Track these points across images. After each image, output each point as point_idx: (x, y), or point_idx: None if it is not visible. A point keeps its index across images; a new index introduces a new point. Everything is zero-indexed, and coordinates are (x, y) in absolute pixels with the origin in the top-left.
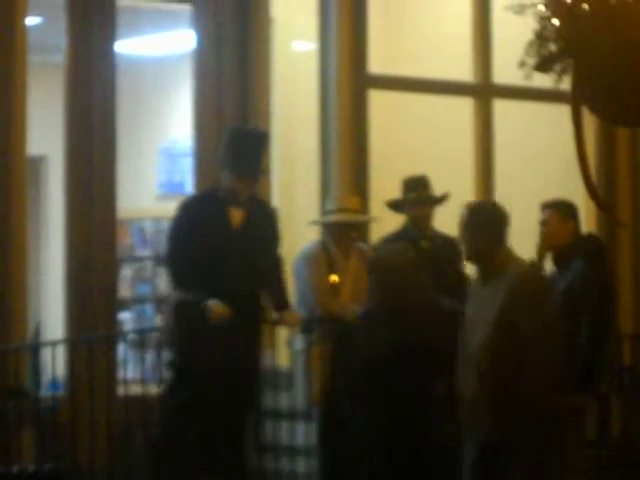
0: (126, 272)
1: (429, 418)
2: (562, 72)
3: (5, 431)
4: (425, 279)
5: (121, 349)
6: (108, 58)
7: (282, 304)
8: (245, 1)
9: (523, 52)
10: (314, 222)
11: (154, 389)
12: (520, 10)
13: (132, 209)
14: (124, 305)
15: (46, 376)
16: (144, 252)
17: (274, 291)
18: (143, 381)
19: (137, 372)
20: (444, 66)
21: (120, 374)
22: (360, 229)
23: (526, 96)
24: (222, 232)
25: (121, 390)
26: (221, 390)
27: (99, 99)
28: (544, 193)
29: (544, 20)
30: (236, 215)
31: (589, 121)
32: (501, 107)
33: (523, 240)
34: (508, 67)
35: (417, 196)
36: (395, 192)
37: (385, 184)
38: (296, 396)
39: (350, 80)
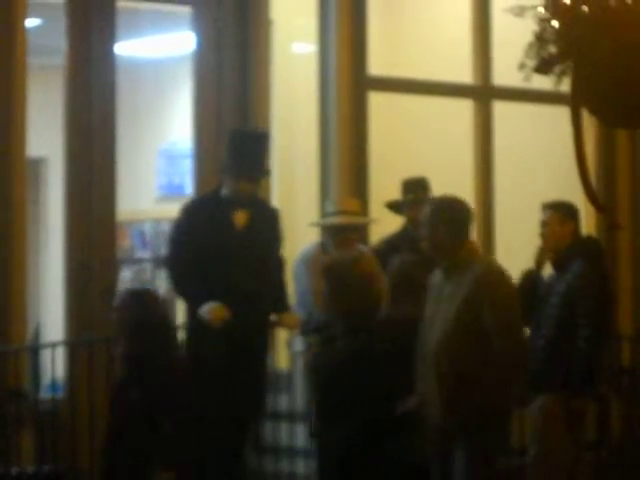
0: (126, 274)
1: (393, 431)
2: (562, 74)
3: (4, 432)
4: (382, 288)
5: None
6: (108, 60)
7: (282, 306)
8: (245, 3)
9: (523, 54)
10: (314, 224)
11: None
12: (520, 12)
13: (132, 211)
14: None
15: (46, 378)
16: (144, 254)
17: (274, 293)
18: None
19: None
20: (444, 68)
21: None
22: (360, 231)
23: (526, 98)
24: (226, 234)
25: None
26: (226, 393)
27: (99, 101)
28: (544, 195)
29: (544, 22)
30: (239, 217)
31: (589, 123)
32: (501, 109)
33: (523, 241)
34: (508, 69)
35: (415, 198)
36: (395, 194)
37: (385, 186)
38: (295, 398)
39: (350, 82)
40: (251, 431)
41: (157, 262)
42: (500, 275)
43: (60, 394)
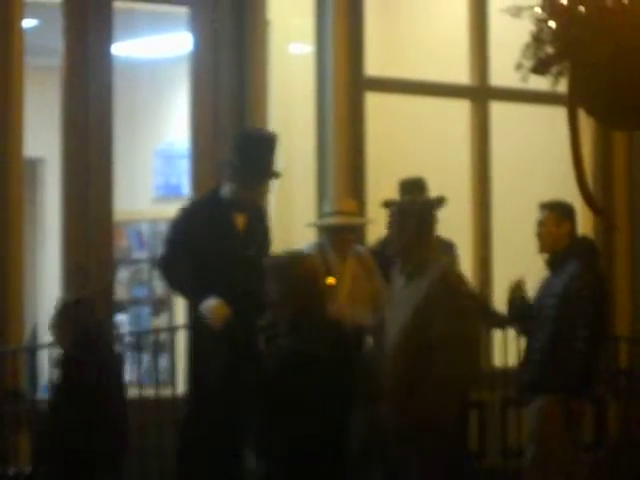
0: (123, 274)
1: (337, 432)
2: (559, 75)
3: (2, 433)
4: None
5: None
6: (105, 60)
7: None
8: (242, 3)
9: (520, 54)
10: (311, 225)
11: (151, 391)
12: (517, 12)
13: (129, 211)
14: (120, 307)
15: (43, 378)
16: (141, 254)
17: None
18: (140, 384)
19: (134, 375)
20: (441, 68)
21: None
22: (357, 232)
23: (523, 99)
24: (228, 236)
25: None
26: (226, 394)
27: (96, 101)
28: (541, 196)
29: (541, 22)
30: (239, 219)
31: (586, 124)
32: (498, 109)
33: (520, 242)
34: (505, 69)
35: (411, 199)
36: (392, 194)
37: (382, 186)
38: None
39: (347, 82)
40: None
41: (154, 262)
42: (453, 280)
43: None
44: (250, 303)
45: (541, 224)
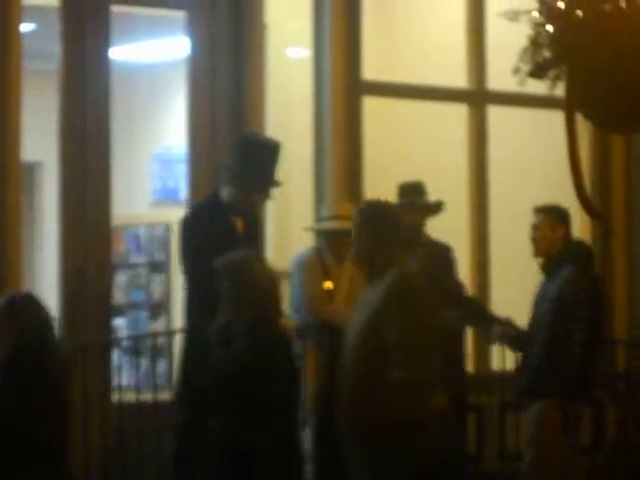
0: (120, 278)
1: (294, 439)
2: (556, 79)
3: None
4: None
5: (115, 356)
6: (102, 64)
7: None
8: (239, 8)
9: (517, 58)
10: (308, 229)
11: (149, 396)
12: (514, 16)
13: (126, 215)
14: (118, 311)
15: None
16: (138, 258)
17: None
18: (137, 388)
19: (131, 379)
20: (438, 72)
21: (114, 381)
22: None
23: (520, 103)
24: (232, 242)
25: (115, 397)
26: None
27: (93, 105)
28: (538, 200)
29: (538, 26)
30: (238, 223)
31: (583, 127)
32: (495, 113)
33: (518, 246)
34: (502, 73)
35: (410, 202)
36: (389, 198)
37: (379, 190)
38: None
39: (344, 86)
40: None
41: (152, 266)
42: (409, 284)
43: None
44: None
45: (536, 228)
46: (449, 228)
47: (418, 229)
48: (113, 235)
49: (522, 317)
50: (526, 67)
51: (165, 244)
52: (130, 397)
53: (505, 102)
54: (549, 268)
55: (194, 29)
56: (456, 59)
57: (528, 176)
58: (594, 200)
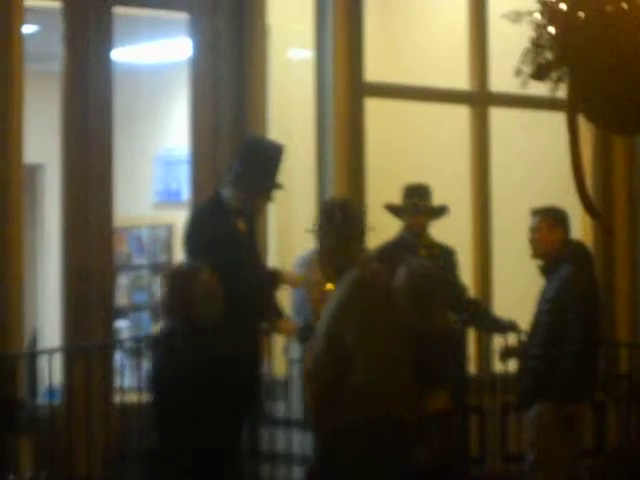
0: (123, 280)
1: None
2: (558, 80)
3: (1, 439)
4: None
5: (118, 357)
6: (105, 66)
7: (274, 312)
8: (241, 9)
9: (519, 60)
10: (311, 230)
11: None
12: (516, 18)
13: (129, 217)
14: (121, 313)
15: (43, 384)
16: (141, 260)
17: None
18: (140, 389)
19: (134, 380)
20: (440, 74)
21: (117, 382)
22: None
23: (522, 104)
24: (235, 242)
25: (118, 398)
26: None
27: (96, 107)
28: (540, 201)
29: (540, 28)
30: (241, 225)
31: (586, 128)
32: (497, 115)
33: (520, 247)
34: (504, 75)
35: (414, 204)
36: (392, 199)
37: (382, 192)
38: (292, 404)
39: (346, 88)
40: (246, 437)
41: (154, 268)
42: (366, 286)
43: (57, 401)
44: (252, 305)
45: (533, 230)
46: (451, 230)
47: (420, 231)
48: (115, 237)
49: (525, 319)
50: (528, 69)
51: (167, 246)
52: (132, 398)
53: (507, 104)
54: (548, 269)
55: (196, 31)
56: (458, 61)
57: (530, 178)
58: (596, 202)
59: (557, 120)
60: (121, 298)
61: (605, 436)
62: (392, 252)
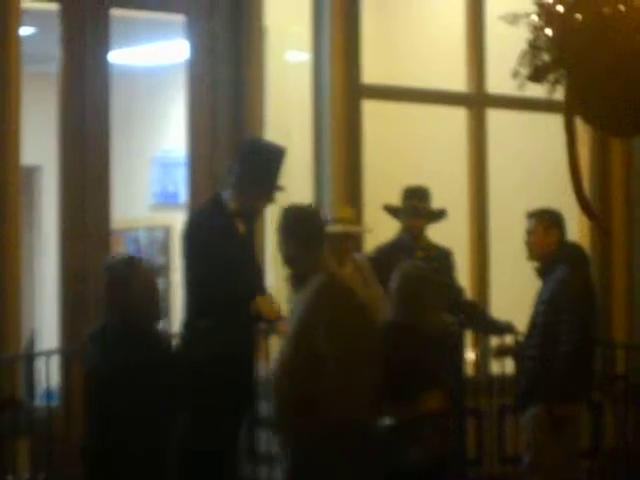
0: None
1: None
2: (555, 82)
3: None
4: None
5: None
6: (102, 68)
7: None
8: (239, 11)
9: (516, 62)
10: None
11: None
12: (513, 20)
13: (126, 219)
14: None
15: (40, 386)
16: None
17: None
18: None
19: None
20: (438, 76)
21: None
22: (355, 239)
23: (520, 106)
24: (234, 244)
25: None
26: (221, 398)
27: (93, 109)
28: (538, 202)
29: (537, 30)
30: (240, 226)
31: (583, 130)
32: (495, 117)
33: (517, 249)
34: (502, 77)
35: (412, 207)
36: (389, 201)
37: (379, 194)
38: None
39: (344, 90)
40: (244, 438)
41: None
42: (334, 291)
43: (55, 402)
44: (250, 307)
45: (529, 233)
46: (448, 231)
47: (418, 233)
48: (113, 239)
49: (522, 321)
50: (525, 71)
51: (165, 248)
52: None
53: (504, 106)
54: (544, 271)
55: (194, 33)
56: (455, 62)
57: (527, 179)
58: (594, 203)
59: (554, 122)
60: None
61: (602, 437)
62: (389, 254)
